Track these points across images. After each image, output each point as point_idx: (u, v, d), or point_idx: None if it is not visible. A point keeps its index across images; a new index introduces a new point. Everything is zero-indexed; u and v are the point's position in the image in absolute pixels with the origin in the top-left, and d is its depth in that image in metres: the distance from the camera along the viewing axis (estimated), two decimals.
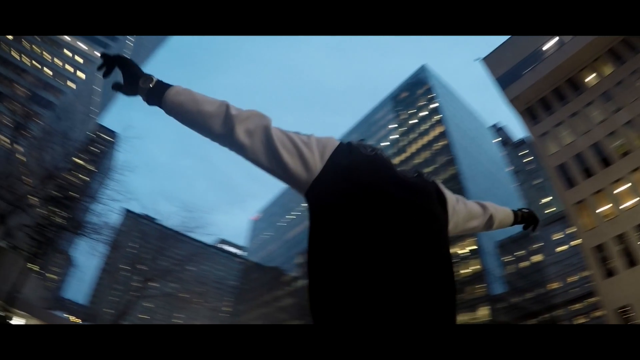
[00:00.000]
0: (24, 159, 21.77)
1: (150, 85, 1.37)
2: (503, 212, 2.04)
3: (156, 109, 1.41)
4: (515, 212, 2.13)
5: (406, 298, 1.12)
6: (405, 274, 1.15)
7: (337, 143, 1.46)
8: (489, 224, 1.96)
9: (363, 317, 1.08)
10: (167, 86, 1.38)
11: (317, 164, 1.36)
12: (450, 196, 1.67)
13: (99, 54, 1.46)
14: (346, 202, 1.28)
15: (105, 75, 1.44)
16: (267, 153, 1.35)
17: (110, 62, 1.40)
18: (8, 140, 19.84)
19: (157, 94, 1.37)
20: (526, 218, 2.17)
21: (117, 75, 1.44)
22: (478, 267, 42.98)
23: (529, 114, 34.25)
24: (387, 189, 1.35)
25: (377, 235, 1.21)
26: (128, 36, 75.98)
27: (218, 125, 1.34)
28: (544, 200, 43.02)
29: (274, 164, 1.36)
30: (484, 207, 1.94)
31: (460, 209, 1.76)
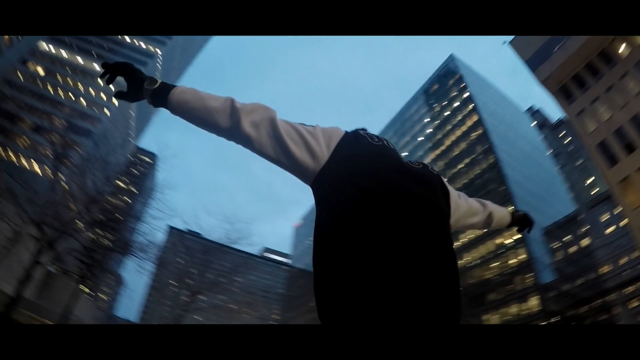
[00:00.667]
0: (67, 187, 22.65)
1: (155, 87, 1.39)
2: (501, 211, 2.04)
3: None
4: (512, 213, 2.12)
5: (414, 295, 1.10)
6: (413, 270, 1.13)
7: (343, 132, 1.47)
8: (488, 221, 1.97)
9: (371, 315, 1.06)
10: (172, 86, 1.40)
11: (324, 153, 1.37)
12: (452, 190, 1.67)
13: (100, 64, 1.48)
14: (353, 192, 1.27)
15: (109, 82, 1.44)
16: (274, 144, 1.36)
17: (112, 70, 1.42)
18: (50, 170, 20.62)
19: (162, 94, 1.39)
20: (522, 220, 2.17)
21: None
22: (524, 256, 41.89)
23: (563, 93, 33.05)
24: (394, 179, 1.33)
25: (384, 227, 1.19)
26: (157, 57, 77.98)
27: (224, 120, 1.36)
28: (588, 181, 41.58)
29: (280, 154, 1.37)
30: (483, 204, 1.95)
31: (462, 204, 1.77)
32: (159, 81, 1.41)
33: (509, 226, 2.15)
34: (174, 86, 1.40)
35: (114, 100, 61.97)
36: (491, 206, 1.97)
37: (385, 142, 1.50)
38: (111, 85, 1.55)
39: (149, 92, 1.39)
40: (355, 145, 1.42)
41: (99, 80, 1.52)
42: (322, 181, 1.37)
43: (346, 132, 1.48)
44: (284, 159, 1.37)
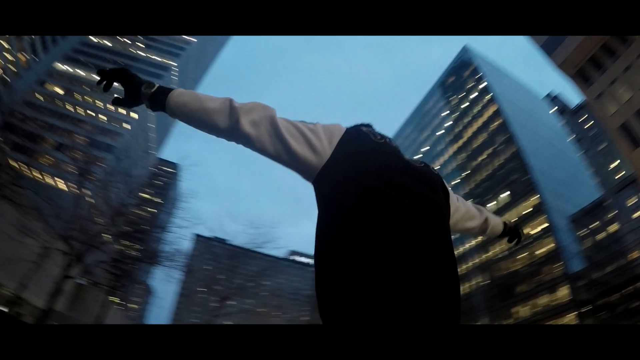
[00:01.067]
0: (93, 201, 23.11)
1: (153, 90, 1.38)
2: (496, 219, 2.03)
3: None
4: (504, 223, 2.11)
5: (418, 295, 1.09)
6: (418, 270, 1.13)
7: (344, 129, 1.45)
8: (484, 227, 1.97)
9: (373, 314, 1.05)
10: (170, 89, 1.39)
11: (326, 149, 1.36)
12: (451, 192, 1.67)
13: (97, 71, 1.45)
14: (357, 190, 1.26)
15: (106, 89, 1.43)
16: (274, 141, 1.34)
17: (108, 76, 1.40)
18: (75, 186, 21.06)
19: (160, 98, 1.38)
20: (512, 230, 2.15)
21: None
22: (552, 245, 41.14)
23: (580, 77, 32.17)
24: (398, 178, 1.33)
25: (389, 226, 1.19)
26: (172, 70, 78.93)
27: (223, 120, 1.34)
28: (612, 165, 40.58)
29: (281, 152, 1.35)
30: (480, 210, 1.95)
31: (460, 207, 1.79)
32: (157, 85, 1.40)
33: (500, 236, 2.13)
34: (172, 89, 1.40)
35: (133, 114, 63.03)
36: (487, 213, 1.97)
37: (387, 140, 1.50)
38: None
39: (146, 96, 1.39)
40: (358, 142, 1.41)
41: (97, 87, 1.46)
42: (324, 178, 1.36)
43: (347, 129, 1.46)
44: (286, 156, 1.36)
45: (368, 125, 1.56)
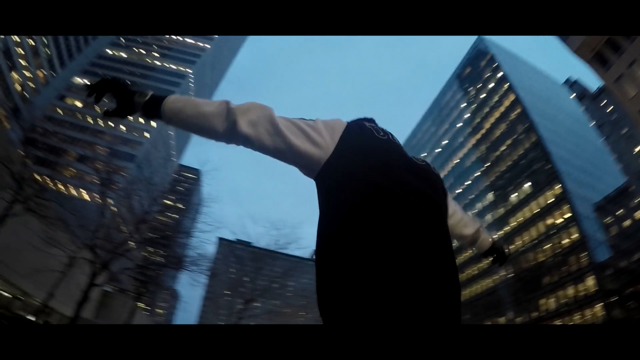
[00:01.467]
0: (116, 210, 23.51)
1: (146, 99, 1.34)
2: (486, 232, 1.99)
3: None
4: (493, 241, 2.02)
5: (420, 297, 1.07)
6: (422, 270, 1.11)
7: (346, 124, 1.43)
8: (476, 236, 1.92)
9: (378, 313, 1.03)
10: (163, 96, 1.35)
11: (328, 144, 1.34)
12: (449, 195, 1.65)
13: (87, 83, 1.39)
14: (362, 187, 1.24)
15: (97, 101, 1.37)
16: (274, 139, 1.31)
17: (98, 89, 1.36)
18: (99, 196, 21.44)
19: (154, 105, 1.34)
20: (498, 250, 2.03)
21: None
22: (577, 235, 40.37)
23: (598, 60, 31.43)
24: (402, 175, 1.31)
25: (396, 224, 1.17)
26: (188, 77, 79.62)
27: (220, 123, 1.30)
28: (636, 150, 39.57)
29: (282, 148, 1.33)
30: (473, 219, 1.92)
31: (457, 211, 1.79)
32: (150, 93, 1.36)
33: (485, 254, 2.02)
34: (165, 96, 1.36)
35: (152, 123, 63.87)
36: (479, 223, 1.95)
37: (390, 136, 1.46)
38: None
39: (139, 104, 1.35)
40: (361, 137, 1.39)
41: (87, 98, 1.40)
42: (328, 173, 1.34)
43: (349, 123, 1.45)
44: (287, 152, 1.34)
45: (371, 120, 1.56)
